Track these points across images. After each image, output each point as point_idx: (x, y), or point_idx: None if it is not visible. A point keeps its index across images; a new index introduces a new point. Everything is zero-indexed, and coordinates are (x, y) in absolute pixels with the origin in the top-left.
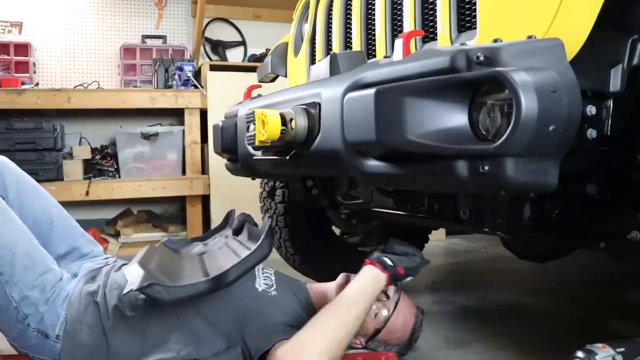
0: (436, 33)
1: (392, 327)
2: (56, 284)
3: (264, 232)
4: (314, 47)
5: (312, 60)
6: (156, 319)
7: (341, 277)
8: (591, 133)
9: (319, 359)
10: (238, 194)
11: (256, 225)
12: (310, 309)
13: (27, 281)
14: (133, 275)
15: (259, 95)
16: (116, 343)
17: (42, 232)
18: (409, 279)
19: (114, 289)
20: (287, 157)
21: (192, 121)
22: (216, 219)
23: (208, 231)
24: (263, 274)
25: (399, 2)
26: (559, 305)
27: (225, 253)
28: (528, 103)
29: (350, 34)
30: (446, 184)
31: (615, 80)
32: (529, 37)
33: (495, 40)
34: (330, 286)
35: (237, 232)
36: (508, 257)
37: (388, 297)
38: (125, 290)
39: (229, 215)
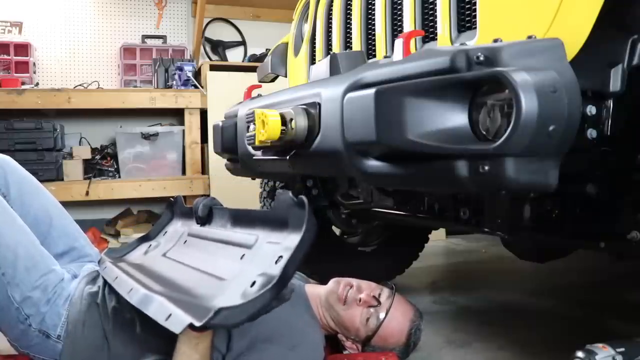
0: (436, 33)
1: (384, 333)
2: (58, 285)
3: (306, 213)
4: (314, 47)
5: (312, 60)
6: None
7: (332, 282)
8: (591, 133)
9: None
10: (238, 194)
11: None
12: (308, 311)
13: (28, 282)
14: (167, 309)
15: (259, 95)
16: (117, 344)
17: (40, 230)
18: None
19: (112, 291)
20: (287, 157)
21: (192, 121)
22: None
23: (151, 229)
24: None
25: (399, 2)
26: (559, 305)
27: (206, 247)
28: (528, 103)
29: (350, 34)
30: (446, 184)
31: (615, 80)
32: (529, 37)
33: (495, 40)
34: (322, 290)
35: (205, 221)
36: (508, 257)
37: (379, 303)
38: (178, 331)
39: (174, 204)
